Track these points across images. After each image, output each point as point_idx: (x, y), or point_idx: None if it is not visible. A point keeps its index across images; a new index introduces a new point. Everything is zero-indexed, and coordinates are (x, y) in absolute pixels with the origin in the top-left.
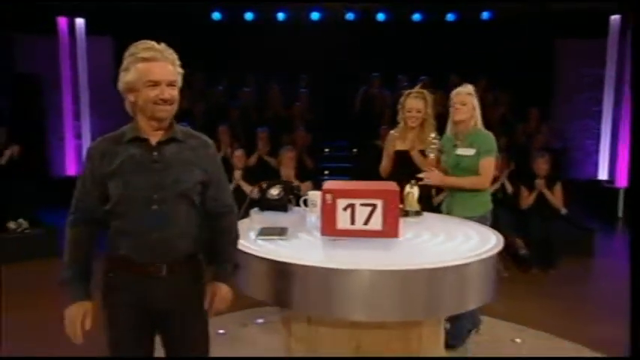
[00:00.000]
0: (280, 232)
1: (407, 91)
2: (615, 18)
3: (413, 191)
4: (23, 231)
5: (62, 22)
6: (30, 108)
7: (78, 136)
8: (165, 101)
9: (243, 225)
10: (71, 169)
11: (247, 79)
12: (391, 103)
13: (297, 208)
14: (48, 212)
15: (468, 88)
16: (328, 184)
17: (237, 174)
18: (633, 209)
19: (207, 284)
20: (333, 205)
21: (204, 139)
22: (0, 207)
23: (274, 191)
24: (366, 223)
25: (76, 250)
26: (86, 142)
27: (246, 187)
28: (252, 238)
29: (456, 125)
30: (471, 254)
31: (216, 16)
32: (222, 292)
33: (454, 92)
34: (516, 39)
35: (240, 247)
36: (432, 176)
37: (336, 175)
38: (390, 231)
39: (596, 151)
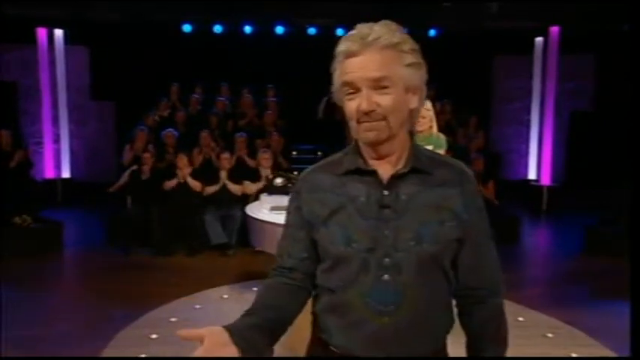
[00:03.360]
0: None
1: None
2: (539, 39)
3: None
4: (28, 226)
5: (42, 32)
6: (8, 114)
7: (56, 140)
8: (367, 114)
9: (255, 205)
10: (49, 172)
11: (220, 88)
12: None
13: None
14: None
15: (428, 105)
16: None
17: (223, 174)
18: (633, 210)
19: None
20: None
21: (460, 167)
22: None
23: (278, 180)
24: None
25: (259, 298)
26: (64, 146)
27: (232, 187)
28: (267, 212)
29: (417, 133)
30: None
31: (186, 28)
32: None
33: None
34: (459, 54)
35: (259, 216)
36: None
37: None
38: None
39: (527, 155)
